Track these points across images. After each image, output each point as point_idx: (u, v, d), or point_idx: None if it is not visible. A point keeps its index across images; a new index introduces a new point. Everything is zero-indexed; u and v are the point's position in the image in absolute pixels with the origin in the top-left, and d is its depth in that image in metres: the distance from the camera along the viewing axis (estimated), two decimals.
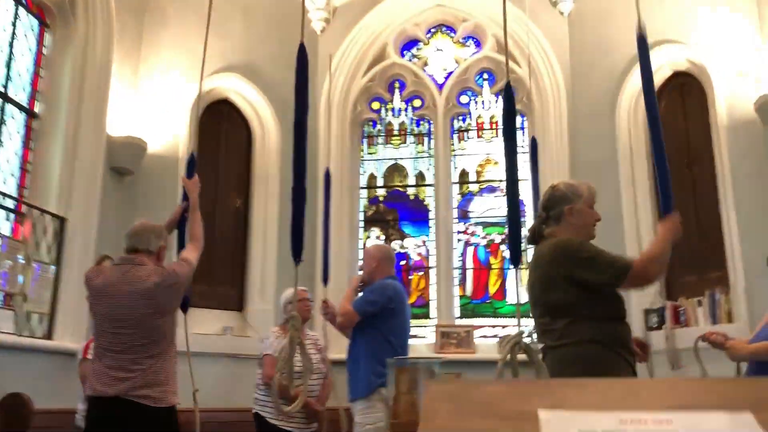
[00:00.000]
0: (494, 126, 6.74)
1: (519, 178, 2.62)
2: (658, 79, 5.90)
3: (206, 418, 5.19)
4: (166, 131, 5.86)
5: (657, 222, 5.61)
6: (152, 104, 5.81)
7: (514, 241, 2.28)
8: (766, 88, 4.74)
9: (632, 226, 5.68)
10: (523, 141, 6.64)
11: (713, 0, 5.25)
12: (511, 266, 2.13)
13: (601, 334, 2.59)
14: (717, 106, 5.29)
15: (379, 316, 3.93)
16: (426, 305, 6.38)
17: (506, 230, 6.45)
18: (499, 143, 6.68)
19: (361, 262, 6.55)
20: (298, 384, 3.05)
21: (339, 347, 4.63)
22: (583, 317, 2.60)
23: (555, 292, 2.66)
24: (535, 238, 2.83)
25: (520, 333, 2.02)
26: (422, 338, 6.23)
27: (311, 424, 4.66)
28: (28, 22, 4.94)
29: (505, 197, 6.54)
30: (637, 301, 5.35)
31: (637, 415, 1.07)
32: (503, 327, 6.24)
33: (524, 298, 6.04)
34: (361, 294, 4.07)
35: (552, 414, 1.07)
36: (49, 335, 4.65)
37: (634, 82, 5.89)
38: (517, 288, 3.39)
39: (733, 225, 5.08)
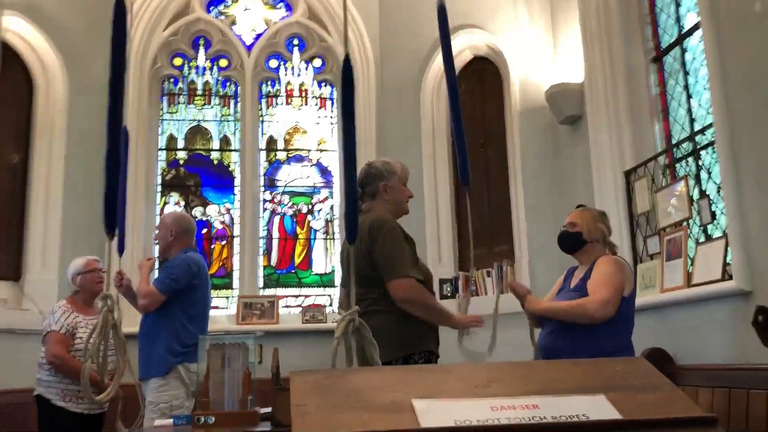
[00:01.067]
0: (304, 94, 6.66)
1: (353, 157, 2.60)
2: (459, 62, 6.22)
3: None
4: None
5: (454, 196, 6.01)
6: None
7: (350, 218, 2.27)
8: (555, 79, 5.18)
9: (432, 200, 5.97)
10: (332, 111, 6.66)
11: None
12: (349, 243, 2.13)
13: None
14: (512, 92, 5.70)
15: (180, 292, 3.75)
16: (228, 275, 6.19)
17: (333, 205, 6.46)
18: (308, 112, 6.64)
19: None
20: (111, 368, 2.79)
21: (131, 321, 4.33)
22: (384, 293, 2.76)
23: (366, 265, 2.79)
24: None
25: (355, 311, 2.02)
26: (224, 309, 6.05)
27: (102, 404, 4.33)
28: None
29: (315, 168, 6.54)
30: (433, 272, 5.65)
31: (506, 401, 1.12)
32: (306, 297, 6.27)
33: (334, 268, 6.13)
34: (159, 270, 3.83)
35: (427, 404, 1.07)
36: None
37: (438, 62, 6.16)
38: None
39: (521, 203, 5.54)
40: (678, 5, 4.40)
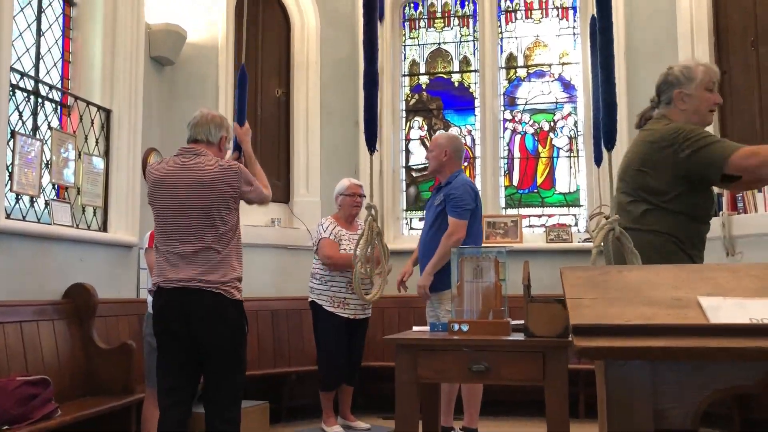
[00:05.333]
0: (544, 5, 6.37)
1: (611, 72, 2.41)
2: None
3: (259, 306, 5.35)
4: (204, 19, 5.65)
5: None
6: None
7: (608, 126, 2.13)
8: None
9: None
10: (575, 21, 6.30)
11: None
12: (607, 150, 2.02)
13: (677, 229, 2.54)
14: None
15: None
16: None
17: (578, 120, 6.24)
18: (549, 24, 6.36)
19: (404, 152, 6.48)
20: (378, 272, 3.06)
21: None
22: (662, 208, 2.54)
23: (648, 175, 2.57)
24: (641, 122, 2.72)
25: (615, 219, 1.93)
26: None
27: (366, 310, 4.76)
28: None
29: (557, 82, 6.29)
30: None
31: None
32: (550, 216, 6.17)
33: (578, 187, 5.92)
34: (444, 199, 4.04)
35: (715, 301, 1.01)
36: (104, 227, 4.70)
37: None
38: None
39: None
40: None
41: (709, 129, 5.37)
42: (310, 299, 4.70)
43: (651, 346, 0.87)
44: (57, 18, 4.62)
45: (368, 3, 2.44)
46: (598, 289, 1.03)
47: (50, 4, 4.55)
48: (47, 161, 4.19)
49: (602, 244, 2.30)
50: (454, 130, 6.38)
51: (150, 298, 3.31)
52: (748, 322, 0.93)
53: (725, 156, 2.40)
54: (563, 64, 6.28)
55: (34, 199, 4.16)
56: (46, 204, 4.22)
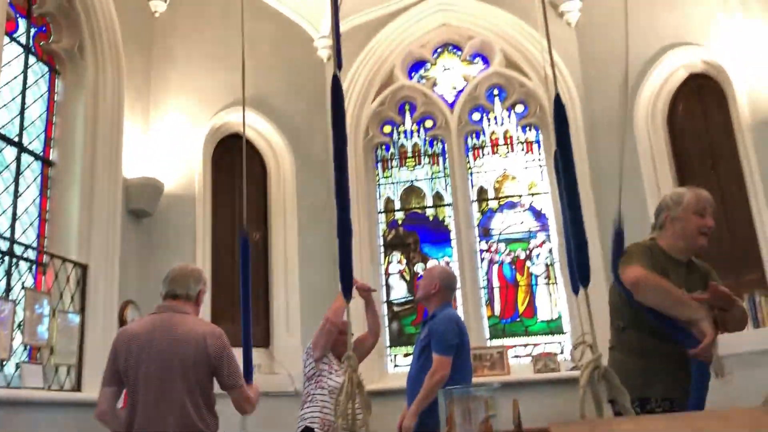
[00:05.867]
0: (509, 141, 6.66)
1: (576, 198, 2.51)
2: (674, 81, 5.85)
3: None
4: (181, 170, 5.78)
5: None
6: (165, 144, 5.75)
7: (581, 261, 2.18)
8: None
9: None
10: (540, 154, 6.56)
11: (730, 6, 5.18)
12: (582, 286, 2.05)
13: (648, 343, 2.59)
14: (739, 106, 5.21)
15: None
16: None
17: (552, 250, 6.34)
18: (515, 158, 6.61)
19: (384, 287, 6.47)
20: (361, 425, 2.92)
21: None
22: (631, 325, 2.62)
23: (613, 296, 2.71)
24: None
25: (599, 356, 1.91)
26: None
27: None
28: (38, 70, 4.88)
29: (529, 212, 6.44)
30: None
31: None
32: (535, 345, 6.11)
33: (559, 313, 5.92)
34: (429, 334, 3.94)
35: None
36: (77, 387, 4.53)
37: (648, 86, 5.83)
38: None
39: (767, 223, 4.97)
40: None
41: None
42: (300, 427, 4.40)
43: None
44: (35, 179, 4.70)
45: (338, 152, 2.52)
46: None
47: (28, 166, 4.65)
48: (20, 322, 4.10)
49: (589, 380, 2.26)
50: (432, 263, 6.43)
51: None
52: None
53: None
54: (533, 194, 6.47)
55: (4, 363, 4.02)
56: (17, 366, 4.08)
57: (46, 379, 4.26)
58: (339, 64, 3.05)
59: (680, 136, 5.82)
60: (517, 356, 6.05)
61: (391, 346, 6.32)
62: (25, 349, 4.27)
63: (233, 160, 6.18)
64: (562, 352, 5.98)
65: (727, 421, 1.01)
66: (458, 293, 6.28)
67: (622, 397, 2.08)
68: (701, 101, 5.71)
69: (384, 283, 6.50)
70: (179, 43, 6.02)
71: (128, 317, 4.89)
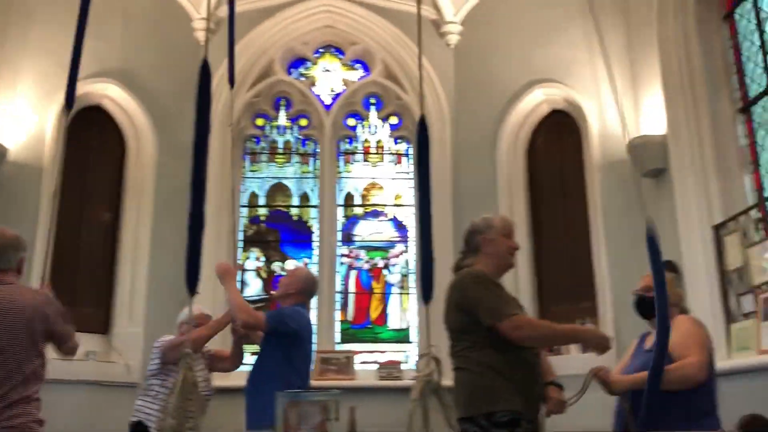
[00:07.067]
0: (381, 150, 6.76)
1: (428, 217, 2.58)
2: (537, 115, 6.20)
3: None
4: (32, 137, 5.36)
5: (532, 251, 5.90)
6: (15, 107, 5.31)
7: (425, 277, 2.24)
8: (636, 132, 5.07)
9: None
10: (409, 167, 6.72)
11: (590, 48, 5.55)
12: (424, 302, 2.11)
13: (496, 360, 2.67)
14: (591, 145, 5.61)
15: (289, 343, 3.76)
16: None
17: (404, 260, 6.47)
18: (385, 168, 6.72)
19: (240, 284, 6.31)
20: (190, 426, 2.81)
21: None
22: (478, 343, 2.70)
23: (454, 318, 2.79)
24: (456, 269, 2.90)
25: (431, 372, 1.98)
26: None
27: None
28: None
29: (391, 223, 6.55)
30: None
31: None
32: (382, 352, 6.22)
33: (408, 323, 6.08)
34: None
35: None
36: None
37: (514, 116, 6.14)
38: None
39: (603, 258, 5.38)
40: (766, 53, 4.25)
41: (525, 277, 5.76)
42: (135, 419, 4.18)
43: None
44: None
45: (199, 140, 2.44)
46: None
47: None
48: None
49: (422, 392, 2.33)
50: (290, 263, 6.38)
51: None
52: None
53: (494, 321, 2.63)
54: (397, 205, 6.61)
55: None
56: None
57: None
58: (231, 81, 2.95)
59: (537, 167, 6.17)
60: (365, 362, 6.13)
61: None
62: None
63: (89, 134, 5.81)
64: (407, 362, 6.13)
65: None
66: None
67: (449, 412, 2.17)
68: (560, 136, 6.09)
69: (240, 279, 6.36)
70: (42, 2, 5.59)
71: None
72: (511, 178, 6.11)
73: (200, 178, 2.45)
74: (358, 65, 6.96)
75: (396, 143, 6.79)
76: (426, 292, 2.39)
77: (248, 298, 6.29)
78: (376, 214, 6.59)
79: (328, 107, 6.79)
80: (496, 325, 2.63)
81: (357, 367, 5.93)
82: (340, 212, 6.56)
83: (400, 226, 6.56)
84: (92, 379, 5.29)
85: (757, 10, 4.36)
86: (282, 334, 3.73)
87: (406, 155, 6.75)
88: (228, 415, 4.18)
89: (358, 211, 6.60)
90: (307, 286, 4.06)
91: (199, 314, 4.50)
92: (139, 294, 5.74)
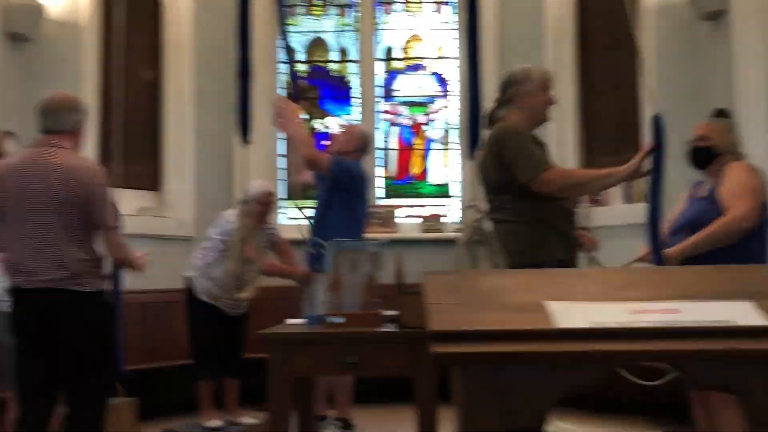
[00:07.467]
0: None
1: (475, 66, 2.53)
2: None
3: (127, 299, 5.09)
4: None
5: (580, 102, 5.76)
6: None
7: (472, 131, 2.24)
8: None
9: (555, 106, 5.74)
10: (451, 17, 6.46)
11: None
12: (470, 156, 2.13)
13: (539, 211, 2.71)
14: None
15: (353, 194, 3.87)
16: None
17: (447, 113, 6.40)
18: (426, 17, 6.47)
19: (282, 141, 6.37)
20: (252, 268, 2.97)
21: None
22: (520, 195, 2.72)
23: (494, 172, 2.79)
24: (490, 120, 2.87)
25: (480, 217, 2.03)
26: None
27: (240, 308, 4.55)
28: None
29: (433, 77, 6.43)
30: None
31: (645, 305, 1.09)
32: (423, 206, 6.32)
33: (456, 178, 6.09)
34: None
35: (561, 305, 1.07)
36: None
37: None
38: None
39: (651, 110, 5.22)
40: None
41: (571, 129, 5.70)
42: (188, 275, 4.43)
43: (500, 351, 0.92)
44: None
45: None
46: (456, 295, 1.07)
47: None
48: None
49: (470, 239, 2.40)
50: (330, 120, 6.37)
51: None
52: (589, 327, 1.00)
53: (529, 179, 2.65)
54: (439, 57, 6.43)
55: None
56: None
57: None
58: None
59: (587, 13, 5.88)
60: (409, 216, 6.25)
61: (288, 199, 6.33)
62: None
63: None
64: (447, 216, 6.24)
65: (585, 278, 1.11)
66: None
67: (497, 256, 2.24)
68: None
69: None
70: None
71: (8, 149, 4.60)
72: (560, 26, 5.84)
73: (245, 25, 2.41)
74: None
75: None
76: (472, 146, 2.40)
77: None
78: (417, 68, 6.44)
79: None
80: (530, 183, 2.65)
81: (398, 220, 6.06)
82: (379, 67, 6.43)
83: (441, 80, 6.42)
84: (147, 233, 5.53)
85: None
86: (342, 184, 3.84)
87: (447, 3, 6.46)
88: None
89: (398, 65, 6.45)
90: (363, 144, 4.15)
91: (265, 193, 4.44)
92: (187, 151, 5.85)
